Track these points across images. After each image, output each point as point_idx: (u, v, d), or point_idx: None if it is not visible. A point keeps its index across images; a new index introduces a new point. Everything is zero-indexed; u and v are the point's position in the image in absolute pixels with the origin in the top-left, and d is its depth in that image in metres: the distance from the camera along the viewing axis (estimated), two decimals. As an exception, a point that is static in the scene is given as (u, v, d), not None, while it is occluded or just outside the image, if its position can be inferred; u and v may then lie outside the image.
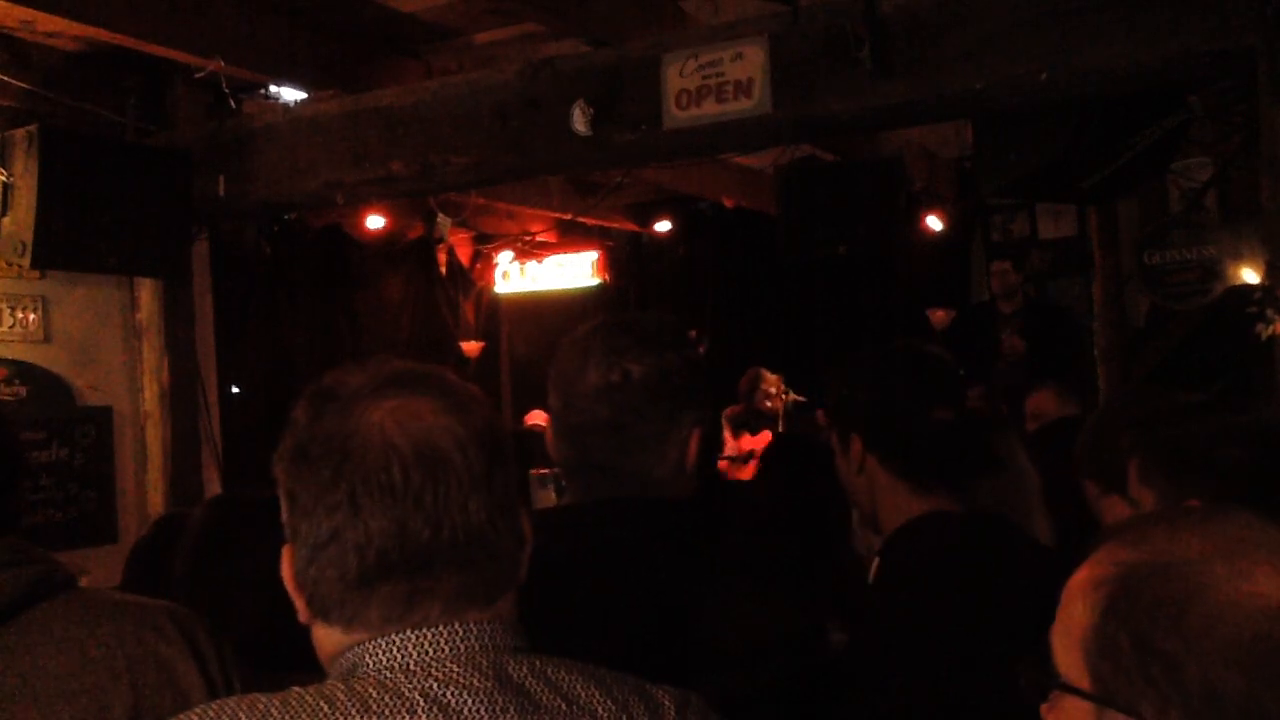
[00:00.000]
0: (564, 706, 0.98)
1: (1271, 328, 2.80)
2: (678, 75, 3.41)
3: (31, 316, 4.13)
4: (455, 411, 1.02)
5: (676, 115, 3.42)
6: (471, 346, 7.86)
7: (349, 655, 0.99)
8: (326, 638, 1.01)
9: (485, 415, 1.04)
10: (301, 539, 1.00)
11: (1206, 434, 1.67)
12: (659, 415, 1.47)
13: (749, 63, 3.31)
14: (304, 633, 1.05)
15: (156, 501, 4.38)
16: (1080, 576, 0.93)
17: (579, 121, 3.49)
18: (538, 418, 6.50)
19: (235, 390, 5.81)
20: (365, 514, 0.96)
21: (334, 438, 0.99)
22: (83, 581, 1.43)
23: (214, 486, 4.60)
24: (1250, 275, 5.50)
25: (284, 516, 1.03)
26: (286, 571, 1.02)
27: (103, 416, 4.35)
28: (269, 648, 1.41)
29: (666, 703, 1.04)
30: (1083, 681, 0.89)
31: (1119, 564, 0.90)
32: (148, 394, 4.44)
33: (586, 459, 1.50)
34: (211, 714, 0.94)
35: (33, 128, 3.69)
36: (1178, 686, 0.83)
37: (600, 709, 0.99)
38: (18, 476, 1.44)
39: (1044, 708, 0.93)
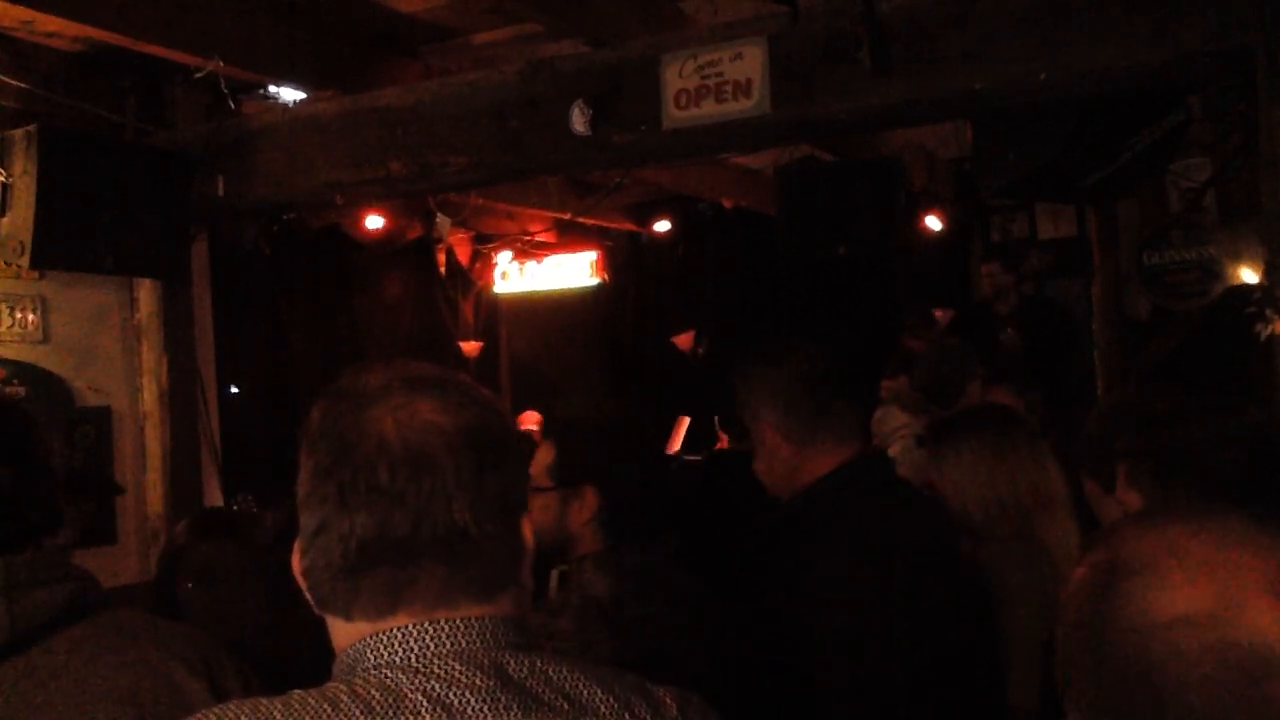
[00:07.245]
0: (566, 706, 0.98)
1: (1270, 327, 2.79)
2: (677, 75, 3.41)
3: (30, 317, 4.12)
4: (454, 413, 1.03)
5: (676, 115, 3.42)
6: (470, 346, 7.85)
7: (350, 652, 1.00)
8: (334, 629, 1.04)
9: (486, 418, 1.05)
10: (300, 530, 1.03)
11: (1195, 438, 1.66)
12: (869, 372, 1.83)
13: (748, 63, 3.31)
14: (291, 643, 1.06)
15: (156, 502, 4.37)
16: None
17: (578, 122, 3.48)
18: (529, 421, 6.49)
19: (235, 390, 5.81)
20: (350, 508, 0.99)
21: (337, 435, 1.02)
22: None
23: (213, 487, 4.60)
24: (1250, 275, 5.49)
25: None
26: (295, 564, 1.05)
27: (102, 417, 4.34)
28: (256, 659, 1.42)
29: (669, 700, 1.05)
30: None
31: (1091, 565, 0.94)
32: (147, 394, 4.43)
33: (824, 408, 1.97)
34: (213, 718, 0.95)
35: (31, 128, 3.68)
36: (1095, 700, 0.89)
37: (603, 707, 1.00)
38: (39, 481, 1.37)
39: None
